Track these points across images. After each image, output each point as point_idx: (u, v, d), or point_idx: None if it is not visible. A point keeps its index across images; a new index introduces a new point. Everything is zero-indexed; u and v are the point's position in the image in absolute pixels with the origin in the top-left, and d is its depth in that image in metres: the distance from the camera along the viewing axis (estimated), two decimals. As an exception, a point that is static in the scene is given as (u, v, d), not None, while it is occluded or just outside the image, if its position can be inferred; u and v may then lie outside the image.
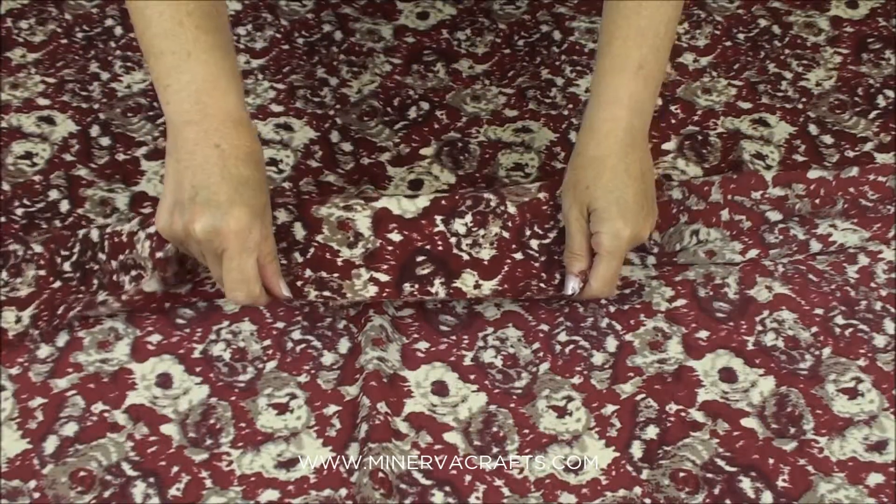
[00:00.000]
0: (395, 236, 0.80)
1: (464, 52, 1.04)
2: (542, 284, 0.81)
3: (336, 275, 0.79)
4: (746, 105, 0.99)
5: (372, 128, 0.98)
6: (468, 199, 0.82)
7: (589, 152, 0.78)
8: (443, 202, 0.82)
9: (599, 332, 0.83)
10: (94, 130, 0.97)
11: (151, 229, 0.79)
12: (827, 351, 0.82)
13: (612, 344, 0.83)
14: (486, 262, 0.81)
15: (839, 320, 0.83)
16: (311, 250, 0.80)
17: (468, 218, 0.81)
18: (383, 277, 0.80)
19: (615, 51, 0.78)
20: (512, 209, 0.82)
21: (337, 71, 1.02)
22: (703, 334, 0.83)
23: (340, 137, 0.97)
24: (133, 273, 0.81)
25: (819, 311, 0.84)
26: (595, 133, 0.78)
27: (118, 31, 1.05)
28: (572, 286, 0.79)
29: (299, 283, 0.79)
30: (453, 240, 0.81)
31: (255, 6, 1.08)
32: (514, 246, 0.81)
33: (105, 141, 0.96)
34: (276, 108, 0.99)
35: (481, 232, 0.81)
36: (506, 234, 0.81)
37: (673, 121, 0.98)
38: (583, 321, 0.84)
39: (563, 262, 0.80)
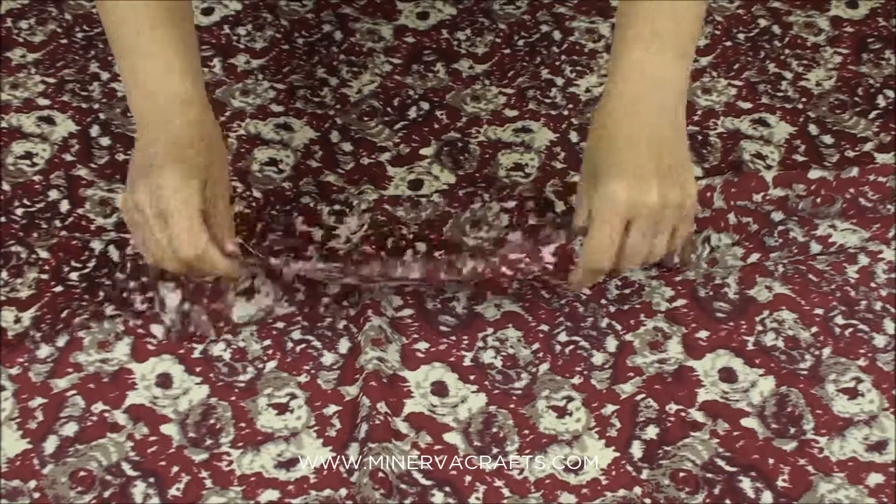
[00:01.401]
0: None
1: (464, 52, 1.04)
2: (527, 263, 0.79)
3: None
4: (746, 105, 0.99)
5: (372, 128, 0.98)
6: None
7: (595, 125, 0.75)
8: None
9: (599, 332, 0.83)
10: (94, 130, 0.97)
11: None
12: (827, 351, 0.82)
13: (612, 344, 0.83)
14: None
15: (839, 320, 0.83)
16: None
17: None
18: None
19: (623, 29, 0.75)
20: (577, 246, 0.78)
21: (337, 71, 1.02)
22: (703, 334, 0.83)
23: (340, 137, 0.97)
24: (149, 294, 0.82)
25: (819, 311, 0.84)
26: (600, 108, 0.75)
27: (118, 31, 1.05)
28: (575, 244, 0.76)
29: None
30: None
31: (255, 6, 1.08)
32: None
33: (105, 141, 0.96)
34: (276, 108, 0.99)
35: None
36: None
37: (673, 121, 0.98)
38: (583, 321, 0.84)
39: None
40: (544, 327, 0.83)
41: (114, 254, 0.84)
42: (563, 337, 0.83)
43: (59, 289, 0.84)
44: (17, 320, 0.82)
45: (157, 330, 0.82)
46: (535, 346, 0.82)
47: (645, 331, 0.83)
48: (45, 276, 0.84)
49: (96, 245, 0.86)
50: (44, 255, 0.84)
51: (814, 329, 0.83)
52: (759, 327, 0.83)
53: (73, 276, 0.85)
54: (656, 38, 0.73)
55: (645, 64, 0.73)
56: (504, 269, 0.78)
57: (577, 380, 0.81)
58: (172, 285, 0.81)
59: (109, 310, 0.83)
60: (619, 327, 0.83)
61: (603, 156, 0.72)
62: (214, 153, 0.75)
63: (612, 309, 0.84)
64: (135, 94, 0.76)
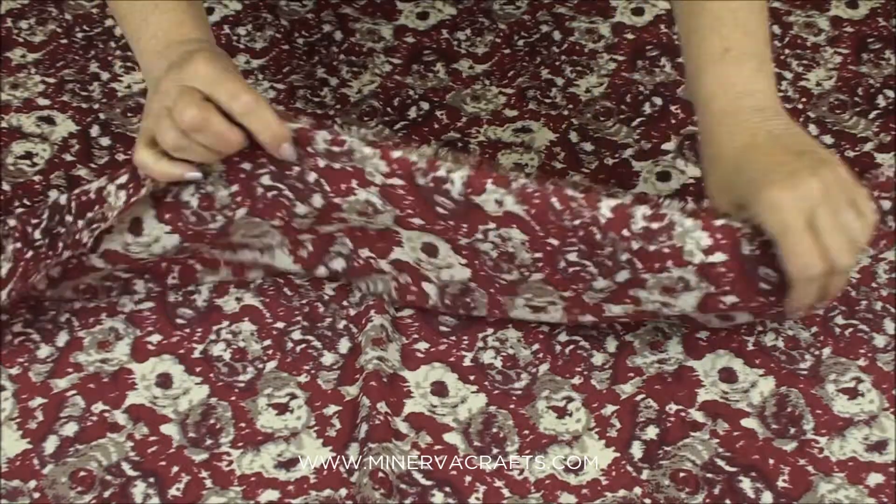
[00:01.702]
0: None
1: (464, 52, 1.04)
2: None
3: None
4: (746, 105, 0.99)
5: (372, 128, 0.98)
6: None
7: (703, 155, 0.73)
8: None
9: (600, 332, 0.83)
10: (94, 130, 0.97)
11: (122, 179, 0.76)
12: (827, 351, 0.82)
13: (612, 344, 0.82)
14: None
15: (839, 320, 0.83)
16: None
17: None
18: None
19: (693, 49, 0.73)
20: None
21: (337, 71, 1.02)
22: (703, 334, 0.83)
23: (340, 137, 0.97)
24: (94, 227, 0.76)
25: (819, 310, 0.84)
26: (701, 137, 0.74)
27: (118, 31, 1.05)
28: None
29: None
30: None
31: (255, 6, 1.08)
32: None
33: (105, 141, 0.96)
34: (276, 108, 0.99)
35: None
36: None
37: (673, 121, 0.98)
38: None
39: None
40: (544, 328, 0.83)
41: (62, 199, 0.79)
42: (563, 337, 0.83)
43: (29, 254, 0.79)
44: None
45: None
46: (535, 346, 0.82)
47: (645, 331, 0.83)
48: (18, 245, 0.80)
49: (49, 199, 0.82)
50: (12, 222, 0.80)
51: (814, 329, 0.83)
52: (760, 327, 0.83)
53: (37, 234, 0.80)
54: (727, 52, 0.72)
55: (725, 79, 0.72)
56: (554, 199, 0.70)
57: (577, 380, 0.81)
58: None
59: (66, 253, 0.78)
60: (618, 327, 0.83)
61: (733, 179, 0.70)
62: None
63: (634, 246, 0.80)
64: (143, 43, 0.76)
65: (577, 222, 0.71)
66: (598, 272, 0.72)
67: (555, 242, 0.72)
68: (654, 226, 0.69)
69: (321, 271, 0.81)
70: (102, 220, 0.76)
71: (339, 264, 0.80)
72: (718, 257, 0.69)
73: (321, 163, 0.73)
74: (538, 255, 0.73)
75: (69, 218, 0.78)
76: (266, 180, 0.75)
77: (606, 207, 0.70)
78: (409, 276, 0.78)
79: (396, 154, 0.71)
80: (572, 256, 0.72)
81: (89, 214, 0.77)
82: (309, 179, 0.74)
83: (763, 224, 0.67)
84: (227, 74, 0.69)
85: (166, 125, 0.69)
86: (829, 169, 0.67)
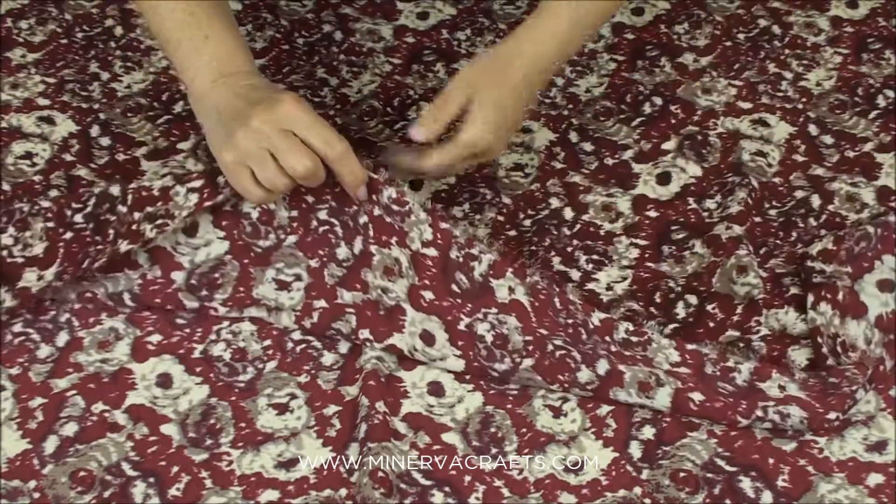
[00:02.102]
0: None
1: (464, 52, 1.04)
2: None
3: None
4: (746, 105, 0.99)
5: (372, 128, 0.98)
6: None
7: (511, 45, 0.83)
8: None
9: (595, 354, 0.81)
10: (94, 130, 0.97)
11: (195, 184, 0.79)
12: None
13: (602, 367, 0.79)
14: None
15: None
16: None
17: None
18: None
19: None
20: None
21: (337, 71, 1.02)
22: (697, 397, 0.78)
23: (340, 137, 0.97)
24: (159, 222, 0.80)
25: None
26: (527, 35, 0.83)
27: (118, 31, 1.05)
28: (416, 134, 0.81)
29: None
30: None
31: (255, 6, 1.08)
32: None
33: (105, 141, 0.96)
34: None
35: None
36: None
37: (673, 121, 0.98)
38: (582, 344, 0.83)
39: None
40: (542, 331, 0.83)
41: (114, 189, 0.81)
42: (558, 342, 0.82)
43: (68, 235, 0.81)
44: (40, 277, 0.80)
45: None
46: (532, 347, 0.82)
47: (639, 369, 0.79)
48: (50, 225, 0.81)
49: (96, 188, 0.83)
50: (45, 203, 0.82)
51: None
52: (760, 412, 0.77)
53: (78, 217, 0.81)
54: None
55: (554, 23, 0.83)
56: (556, 299, 0.82)
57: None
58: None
59: (124, 245, 0.80)
60: (615, 359, 0.79)
61: (496, 77, 0.81)
62: None
63: (612, 349, 0.80)
64: (202, 76, 0.79)
65: (569, 321, 0.81)
66: (582, 360, 0.79)
67: (544, 332, 0.80)
68: (634, 339, 0.81)
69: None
70: (168, 217, 0.79)
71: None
72: (683, 370, 0.79)
73: (376, 211, 0.80)
74: (528, 338, 0.79)
75: (122, 209, 0.80)
76: (323, 215, 0.82)
77: (597, 318, 0.81)
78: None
79: (444, 225, 0.80)
80: (558, 341, 0.79)
81: (149, 209, 0.79)
82: (360, 221, 0.81)
83: (467, 127, 0.80)
84: (317, 119, 0.76)
85: (272, 169, 0.75)
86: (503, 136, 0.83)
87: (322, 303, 0.81)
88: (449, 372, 0.81)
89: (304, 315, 0.82)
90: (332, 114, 0.98)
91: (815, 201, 0.91)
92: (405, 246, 0.81)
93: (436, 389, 0.80)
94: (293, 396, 0.80)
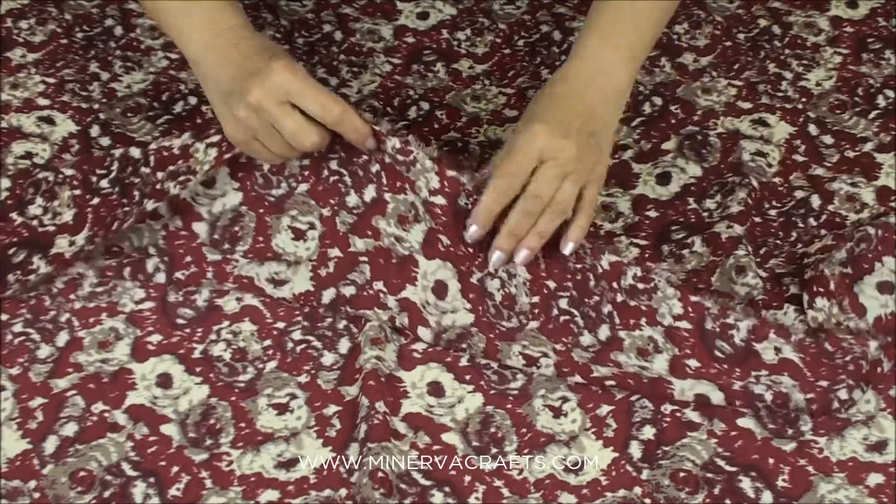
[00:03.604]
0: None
1: (464, 52, 1.04)
2: None
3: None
4: (746, 105, 0.99)
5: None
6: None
7: (541, 89, 0.81)
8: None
9: (598, 315, 0.81)
10: (94, 130, 0.97)
11: (213, 139, 0.80)
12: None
13: (603, 332, 0.80)
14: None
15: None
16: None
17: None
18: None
19: (590, 20, 0.83)
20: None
21: (337, 71, 1.02)
22: (693, 363, 0.78)
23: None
24: (181, 179, 0.81)
25: (822, 382, 0.82)
26: (553, 77, 0.81)
27: (118, 31, 1.05)
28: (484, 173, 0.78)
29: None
30: None
31: (255, 6, 1.08)
32: None
33: (105, 141, 0.96)
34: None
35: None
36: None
37: (673, 121, 0.98)
38: (588, 297, 0.82)
39: None
40: (551, 283, 0.82)
41: (134, 152, 0.83)
42: (563, 304, 0.82)
43: (95, 201, 0.82)
44: (72, 243, 0.82)
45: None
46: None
47: (639, 335, 0.79)
48: (77, 192, 0.83)
49: (115, 152, 0.84)
50: (69, 172, 0.83)
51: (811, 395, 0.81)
52: (752, 380, 0.78)
53: (104, 183, 0.83)
54: (613, 37, 0.81)
55: (599, 54, 0.80)
56: None
57: (572, 380, 0.81)
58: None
59: (150, 204, 0.82)
60: (617, 320, 0.80)
61: (537, 108, 0.78)
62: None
63: (618, 298, 0.79)
64: (187, 34, 0.79)
65: (578, 266, 0.79)
66: (584, 324, 0.79)
67: (552, 285, 0.79)
68: (640, 286, 0.78)
69: (328, 294, 0.84)
70: (190, 173, 0.81)
71: (348, 291, 0.83)
72: (683, 325, 0.78)
73: (387, 159, 0.79)
74: (535, 299, 0.79)
75: (145, 170, 0.82)
76: (333, 165, 0.82)
77: (606, 261, 0.78)
78: (406, 319, 0.81)
79: (451, 173, 0.77)
80: (563, 304, 0.79)
81: (171, 168, 0.81)
82: (371, 169, 0.80)
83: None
84: (309, 84, 0.74)
85: (280, 142, 0.76)
86: (594, 154, 0.77)
87: (336, 251, 0.83)
88: (449, 372, 0.81)
89: (321, 264, 0.83)
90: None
91: (815, 201, 0.91)
92: (416, 194, 0.80)
93: (436, 389, 0.80)
94: (293, 396, 0.80)
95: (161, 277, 0.85)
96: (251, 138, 0.77)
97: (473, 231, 0.76)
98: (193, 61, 0.80)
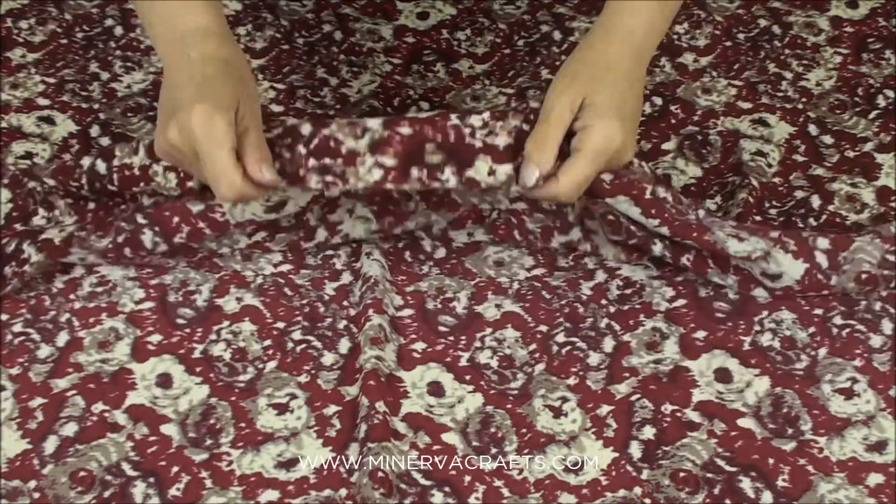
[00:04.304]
0: (405, 129, 0.77)
1: (464, 52, 1.04)
2: None
3: (340, 160, 0.77)
4: (746, 105, 0.99)
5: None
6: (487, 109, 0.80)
7: (599, 48, 0.77)
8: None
9: (598, 332, 0.83)
10: (94, 130, 0.97)
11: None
12: (823, 351, 0.82)
13: (608, 344, 0.82)
14: (500, 148, 0.76)
15: (837, 320, 0.83)
16: (316, 141, 0.77)
17: (486, 114, 0.77)
18: (389, 161, 0.76)
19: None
20: (535, 104, 0.78)
21: (337, 71, 1.02)
22: (701, 334, 0.83)
23: (340, 137, 0.97)
24: (151, 200, 0.82)
25: (819, 311, 0.84)
26: (610, 35, 0.78)
27: (118, 31, 1.05)
28: (529, 176, 0.74)
29: (301, 172, 0.77)
30: (467, 130, 0.77)
31: (255, 6, 1.08)
32: None
33: (105, 141, 0.96)
34: (276, 108, 0.99)
35: (499, 123, 0.77)
36: (525, 127, 0.77)
37: (673, 121, 0.98)
38: (582, 322, 0.84)
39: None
40: (543, 328, 0.83)
41: (100, 167, 0.84)
42: (560, 338, 0.83)
43: (91, 205, 0.86)
44: (62, 230, 0.83)
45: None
46: (532, 346, 0.83)
47: (643, 331, 0.83)
48: (70, 200, 0.86)
49: (85, 161, 0.86)
50: (50, 182, 0.85)
51: (811, 329, 0.83)
52: (757, 327, 0.83)
53: (84, 192, 0.86)
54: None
55: (655, 20, 0.78)
56: (543, 292, 0.85)
57: (572, 380, 0.81)
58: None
59: (147, 200, 0.84)
60: (617, 328, 0.83)
61: (607, 80, 0.75)
62: (241, 83, 0.75)
63: (612, 309, 0.84)
64: (155, 29, 0.77)
65: (562, 302, 0.84)
66: (587, 346, 0.82)
67: (544, 329, 0.82)
68: (628, 291, 0.84)
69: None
70: (158, 195, 0.83)
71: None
72: (680, 302, 0.83)
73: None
74: (532, 346, 0.82)
75: (111, 188, 0.84)
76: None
77: (587, 287, 0.84)
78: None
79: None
80: (560, 338, 0.82)
81: (135, 189, 0.82)
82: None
83: (587, 133, 0.74)
84: (216, 145, 0.71)
85: (200, 175, 0.75)
86: (630, 150, 0.76)
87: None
88: (449, 372, 0.81)
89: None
90: (332, 114, 0.98)
91: (815, 201, 0.91)
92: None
93: (436, 389, 0.80)
94: (293, 396, 0.80)
95: (162, 248, 0.84)
96: (176, 161, 0.76)
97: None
98: (161, 57, 0.78)
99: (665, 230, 0.80)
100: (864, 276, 0.82)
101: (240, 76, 0.76)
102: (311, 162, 0.77)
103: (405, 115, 0.78)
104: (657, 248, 0.83)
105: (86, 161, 0.85)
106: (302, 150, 0.77)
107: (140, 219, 0.82)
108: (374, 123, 0.77)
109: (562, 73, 0.78)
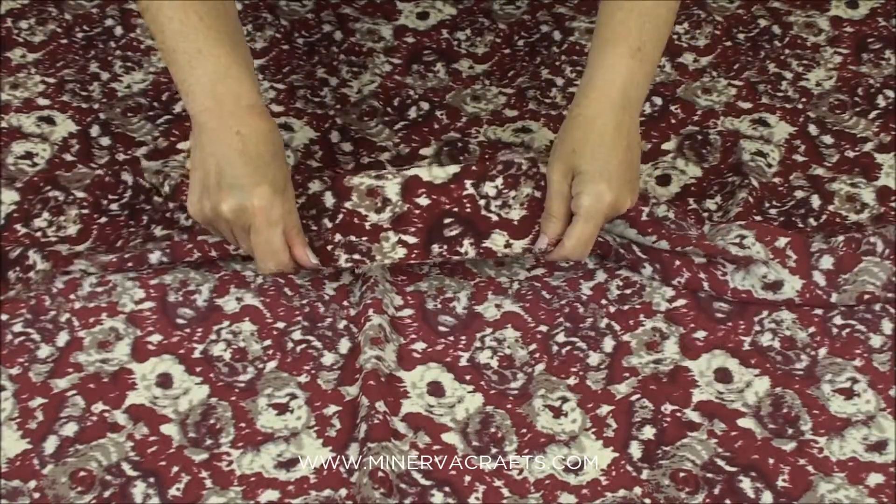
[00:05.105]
0: (423, 200, 0.82)
1: (464, 52, 1.04)
2: None
3: (365, 238, 0.81)
4: (746, 105, 0.99)
5: (372, 128, 0.98)
6: (500, 163, 0.82)
7: (579, 112, 0.79)
8: (473, 167, 0.82)
9: (598, 332, 0.83)
10: (94, 130, 0.97)
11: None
12: (823, 351, 0.82)
13: (608, 344, 0.82)
14: (515, 223, 0.81)
15: (838, 320, 0.83)
16: (341, 216, 0.81)
17: (499, 181, 0.82)
18: (411, 239, 0.81)
19: (616, 23, 0.79)
20: (544, 170, 0.81)
21: (337, 71, 1.02)
22: (700, 334, 0.83)
23: (340, 137, 0.97)
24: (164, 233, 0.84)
25: (819, 311, 0.84)
26: (588, 94, 0.79)
27: (118, 31, 1.05)
28: (541, 243, 0.80)
29: (329, 248, 0.81)
30: (482, 202, 0.82)
31: (255, 6, 1.08)
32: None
33: (105, 141, 0.96)
34: (276, 108, 0.99)
35: (512, 193, 0.81)
36: (537, 194, 0.81)
37: (673, 121, 0.98)
38: (582, 321, 0.84)
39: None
40: (543, 328, 0.83)
41: (146, 182, 0.86)
42: (560, 338, 0.83)
43: (103, 220, 0.87)
44: (70, 250, 0.84)
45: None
46: (532, 346, 0.83)
47: (643, 331, 0.83)
48: (86, 212, 0.87)
49: (127, 177, 0.88)
50: (80, 194, 0.86)
51: (811, 329, 0.83)
52: (757, 327, 0.83)
53: (114, 206, 0.87)
54: (639, 52, 0.79)
55: (633, 68, 0.79)
56: (543, 291, 0.85)
57: (572, 380, 0.81)
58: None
59: (158, 230, 0.85)
60: (617, 328, 0.83)
61: (587, 148, 0.78)
62: (285, 161, 0.79)
63: (612, 309, 0.84)
64: (193, 92, 0.76)
65: (563, 302, 0.85)
66: (587, 346, 0.83)
67: (544, 329, 0.83)
68: (628, 291, 0.85)
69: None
70: None
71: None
72: (680, 302, 0.84)
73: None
74: (532, 347, 0.82)
75: (157, 199, 0.87)
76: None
77: (587, 287, 0.85)
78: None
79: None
80: (560, 338, 0.83)
81: (183, 199, 0.82)
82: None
83: (578, 199, 0.78)
84: (272, 233, 0.76)
85: (236, 243, 0.80)
86: (630, 195, 0.79)
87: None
88: (449, 372, 0.81)
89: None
90: (331, 114, 0.98)
91: (815, 201, 0.92)
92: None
93: (436, 389, 0.80)
94: (293, 396, 0.80)
95: (166, 263, 0.86)
96: (218, 228, 0.79)
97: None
98: (192, 113, 0.76)
99: (664, 244, 0.82)
100: (866, 296, 0.82)
101: (282, 153, 0.78)
102: (338, 237, 0.81)
103: (420, 176, 0.82)
104: (646, 271, 0.85)
105: (129, 178, 0.87)
106: (328, 223, 0.81)
107: (151, 246, 0.85)
108: (393, 193, 0.81)
109: (556, 144, 0.81)
